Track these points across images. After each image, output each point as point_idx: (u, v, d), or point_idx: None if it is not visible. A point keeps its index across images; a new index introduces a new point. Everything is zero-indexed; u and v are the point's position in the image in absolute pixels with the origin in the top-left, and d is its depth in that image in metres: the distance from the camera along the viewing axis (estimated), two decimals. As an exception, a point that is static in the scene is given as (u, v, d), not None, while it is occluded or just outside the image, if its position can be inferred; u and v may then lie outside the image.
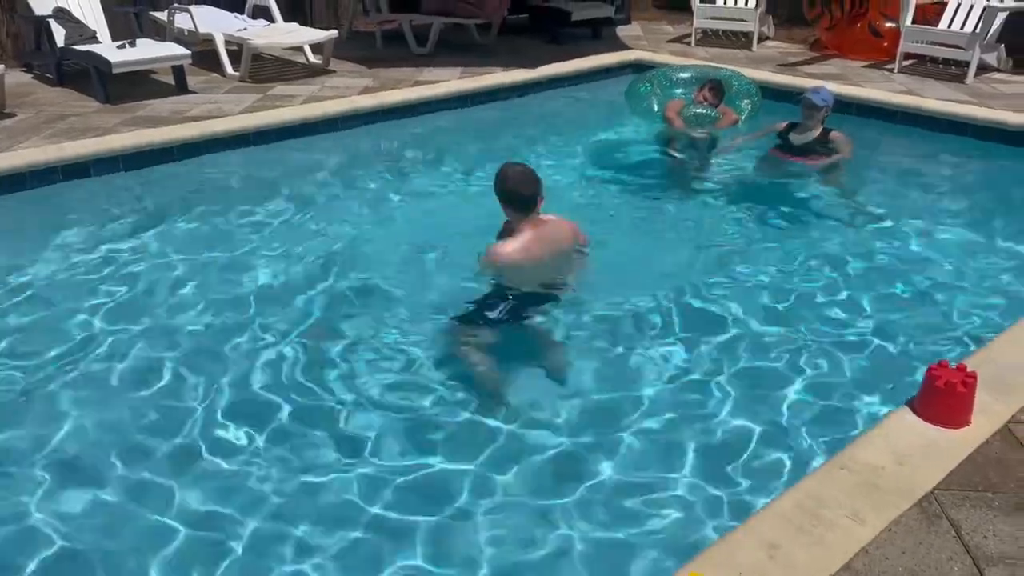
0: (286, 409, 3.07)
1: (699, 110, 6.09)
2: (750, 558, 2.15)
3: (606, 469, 2.79)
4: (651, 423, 3.03)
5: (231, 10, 8.35)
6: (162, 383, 3.24)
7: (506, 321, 3.35)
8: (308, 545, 2.46)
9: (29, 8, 6.96)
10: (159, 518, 2.55)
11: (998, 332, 3.32)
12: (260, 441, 2.89)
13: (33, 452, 2.83)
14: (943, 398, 2.66)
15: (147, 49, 6.72)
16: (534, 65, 7.90)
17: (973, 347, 3.26)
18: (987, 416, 2.72)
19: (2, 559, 2.40)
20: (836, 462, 2.54)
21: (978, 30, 7.49)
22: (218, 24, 7.73)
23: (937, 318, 3.76)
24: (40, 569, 2.37)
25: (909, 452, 2.56)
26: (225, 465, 2.78)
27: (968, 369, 2.71)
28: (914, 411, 2.73)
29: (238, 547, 2.46)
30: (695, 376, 3.31)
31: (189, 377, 3.26)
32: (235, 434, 2.93)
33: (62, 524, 2.52)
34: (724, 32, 9.63)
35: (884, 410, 2.90)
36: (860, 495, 2.38)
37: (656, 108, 6.30)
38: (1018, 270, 4.23)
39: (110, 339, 3.52)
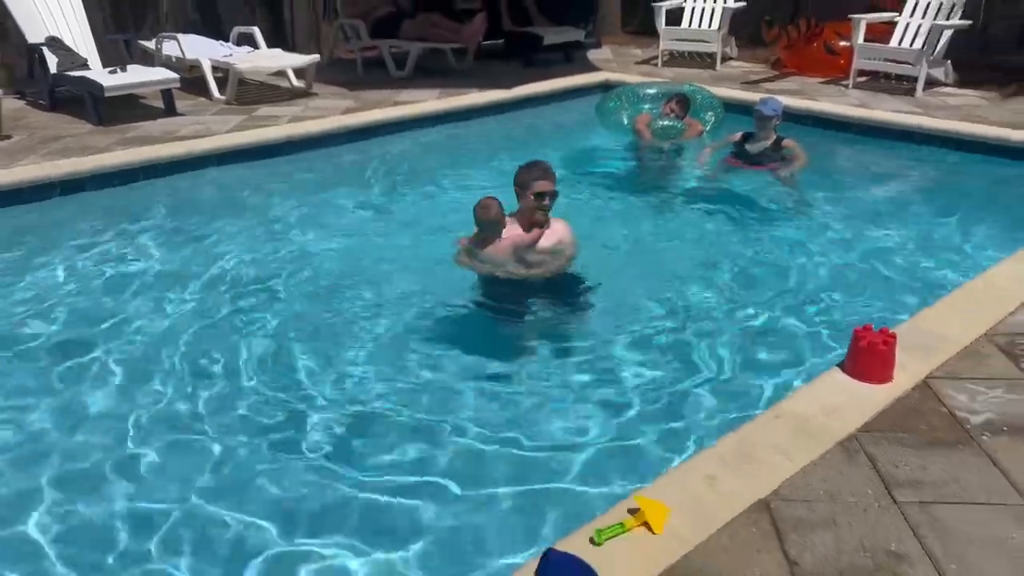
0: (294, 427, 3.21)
1: (666, 122, 6.49)
2: (691, 486, 2.45)
3: (582, 420, 3.15)
4: (623, 384, 3.39)
5: (216, 38, 8.71)
6: (157, 391, 3.36)
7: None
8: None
9: (23, 37, 7.27)
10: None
11: (924, 306, 3.68)
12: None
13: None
14: (866, 356, 2.99)
15: (138, 74, 7.03)
16: (509, 86, 8.28)
17: (902, 318, 3.60)
18: (908, 373, 3.05)
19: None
20: (771, 412, 2.86)
21: (926, 47, 7.96)
22: (204, 51, 8.07)
23: (873, 296, 4.15)
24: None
25: (836, 403, 2.88)
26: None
27: (889, 331, 3.04)
28: (843, 370, 3.06)
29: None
30: (660, 344, 3.69)
31: (186, 384, 3.40)
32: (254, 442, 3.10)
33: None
34: (689, 53, 10.08)
35: (818, 370, 3.23)
36: (790, 438, 2.69)
37: (626, 122, 6.70)
38: (945, 256, 4.66)
39: (109, 343, 3.72)
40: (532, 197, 3.73)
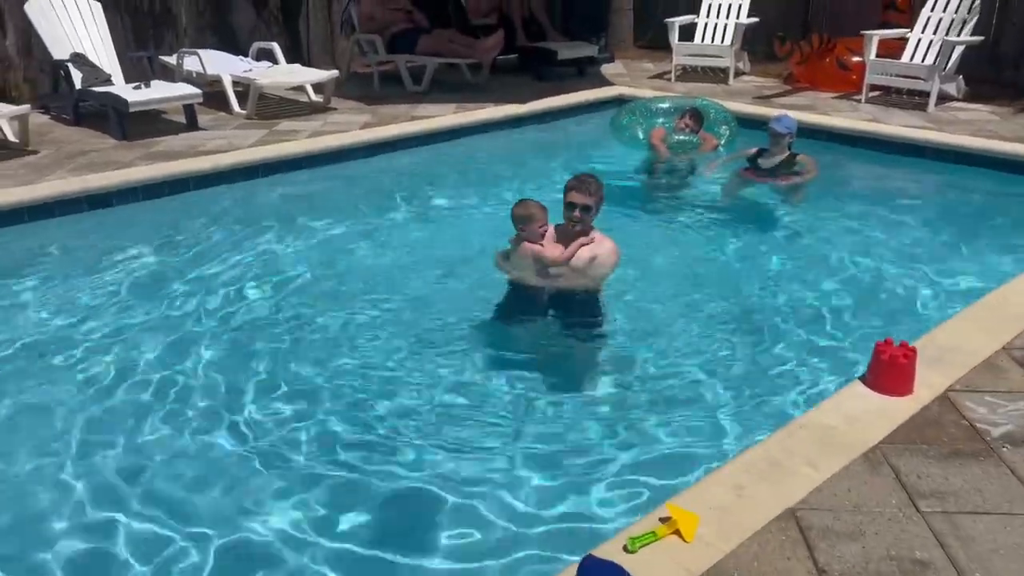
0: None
1: (681, 137, 6.58)
2: (720, 496, 2.52)
3: (611, 431, 3.23)
4: (651, 396, 3.47)
5: (234, 54, 8.85)
6: (189, 400, 3.46)
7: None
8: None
9: (48, 53, 7.42)
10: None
11: (942, 320, 3.75)
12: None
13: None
14: (887, 369, 3.06)
15: (161, 89, 7.16)
16: (524, 101, 8.39)
17: (920, 332, 3.66)
18: (928, 387, 3.11)
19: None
20: (796, 424, 2.92)
21: (937, 62, 8.04)
22: (225, 66, 8.20)
23: (891, 310, 4.23)
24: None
25: (859, 415, 2.95)
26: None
27: (909, 345, 3.11)
28: (864, 383, 3.13)
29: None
30: (683, 356, 3.76)
31: (210, 395, 3.50)
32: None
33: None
34: (702, 68, 10.18)
35: (840, 383, 3.30)
36: (815, 449, 2.76)
37: (641, 136, 6.79)
38: (961, 271, 4.71)
39: (127, 354, 3.82)
40: (565, 206, 3.83)
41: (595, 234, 3.91)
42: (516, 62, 10.34)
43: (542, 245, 3.88)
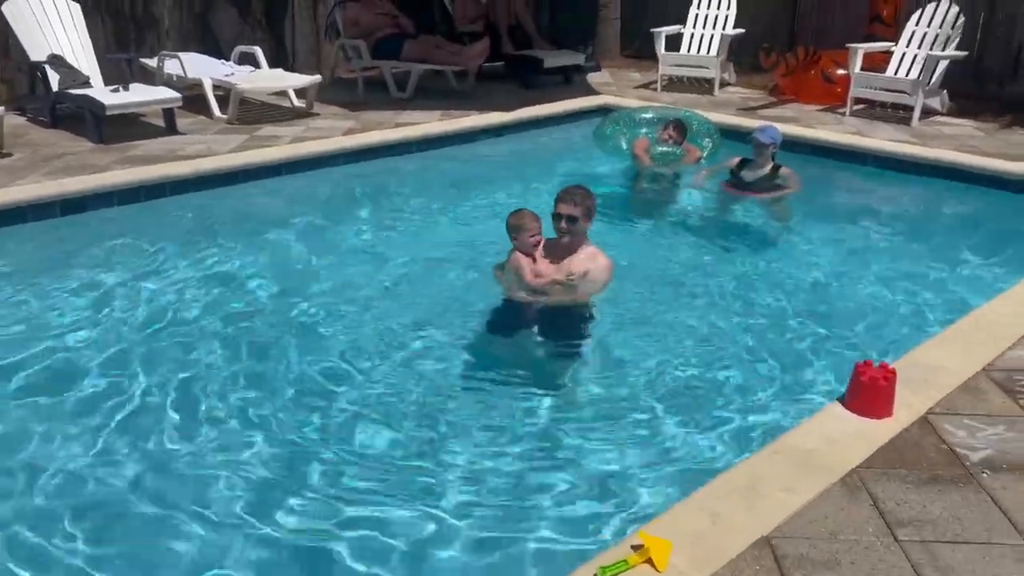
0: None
1: (664, 148, 6.54)
2: (694, 522, 2.46)
3: (581, 451, 3.17)
4: (624, 419, 3.38)
5: (220, 58, 8.75)
6: (157, 411, 3.39)
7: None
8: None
9: (25, 55, 7.30)
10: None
11: (921, 340, 3.71)
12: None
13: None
14: (867, 391, 3.01)
15: (140, 92, 7.06)
16: (509, 109, 8.34)
17: (899, 352, 3.62)
18: (908, 409, 3.07)
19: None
20: (773, 447, 2.87)
21: (921, 77, 8.05)
22: (206, 70, 8.10)
23: (871, 329, 4.17)
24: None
25: (837, 438, 2.90)
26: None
27: (889, 366, 3.07)
28: (843, 404, 3.08)
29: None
30: (658, 376, 3.69)
31: (181, 407, 3.41)
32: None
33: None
34: (688, 79, 10.17)
35: (819, 404, 3.25)
36: (792, 474, 2.70)
37: (624, 146, 6.75)
38: (941, 288, 4.69)
39: (96, 360, 3.74)
40: (552, 217, 3.80)
41: (589, 248, 3.86)
42: (502, 70, 10.29)
43: (534, 257, 3.86)
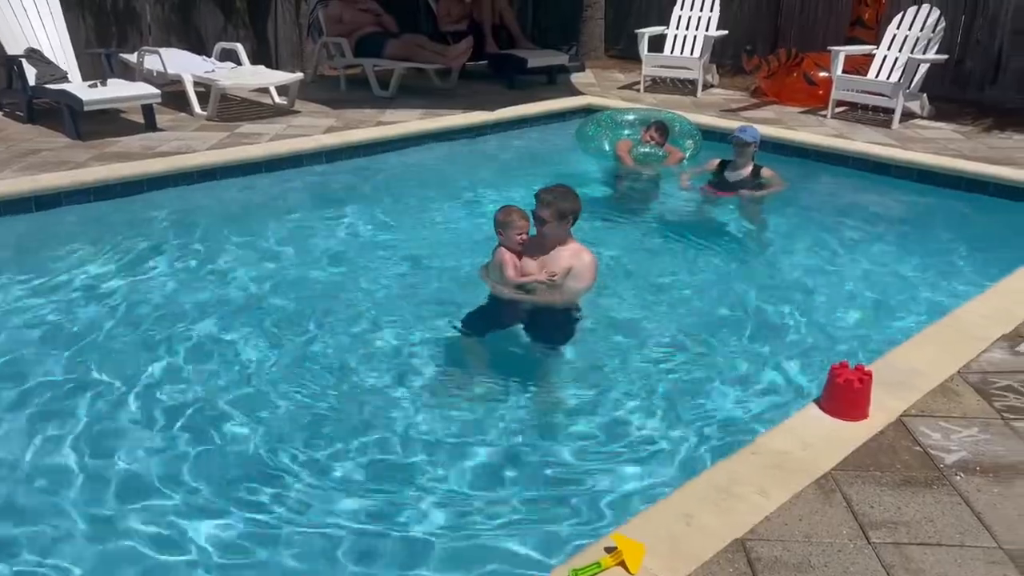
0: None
1: (647, 149, 6.55)
2: (668, 525, 2.45)
3: (559, 453, 3.16)
4: (598, 419, 3.38)
5: (200, 54, 8.68)
6: (129, 411, 3.36)
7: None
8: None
9: (1, 49, 7.21)
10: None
11: (897, 342, 3.72)
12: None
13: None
14: (842, 393, 3.01)
15: (118, 88, 6.99)
16: (492, 108, 8.31)
17: (875, 354, 3.63)
18: (883, 411, 3.07)
19: None
20: (748, 449, 2.87)
21: (902, 80, 8.09)
22: (186, 66, 8.03)
23: (848, 331, 4.19)
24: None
25: (812, 440, 2.90)
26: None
27: (865, 368, 3.07)
28: (819, 406, 3.08)
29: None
30: (635, 377, 3.69)
31: (154, 402, 3.40)
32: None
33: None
34: (671, 80, 10.18)
35: (795, 406, 3.25)
36: (767, 476, 2.70)
37: (607, 147, 6.75)
38: (919, 290, 4.71)
39: (73, 361, 3.70)
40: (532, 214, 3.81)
41: (573, 245, 3.85)
42: (486, 69, 10.27)
43: (519, 254, 3.85)
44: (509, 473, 3.03)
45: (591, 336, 3.96)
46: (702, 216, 6.01)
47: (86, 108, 6.60)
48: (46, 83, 7.02)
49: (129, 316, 4.16)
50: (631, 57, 10.86)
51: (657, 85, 10.15)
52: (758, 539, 2.41)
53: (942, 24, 8.23)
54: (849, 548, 2.39)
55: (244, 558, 2.59)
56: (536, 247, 3.85)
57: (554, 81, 10.08)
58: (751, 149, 5.86)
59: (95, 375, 3.59)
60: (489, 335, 3.91)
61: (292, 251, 5.12)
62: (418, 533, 2.71)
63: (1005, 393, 3.25)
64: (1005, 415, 3.10)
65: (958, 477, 2.74)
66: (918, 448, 2.89)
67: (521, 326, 3.90)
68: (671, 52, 9.90)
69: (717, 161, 6.08)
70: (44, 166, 5.92)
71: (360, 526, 2.74)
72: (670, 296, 4.57)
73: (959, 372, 3.40)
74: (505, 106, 8.44)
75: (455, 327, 3.95)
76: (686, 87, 9.99)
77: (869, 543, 2.41)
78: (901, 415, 3.07)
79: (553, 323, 3.91)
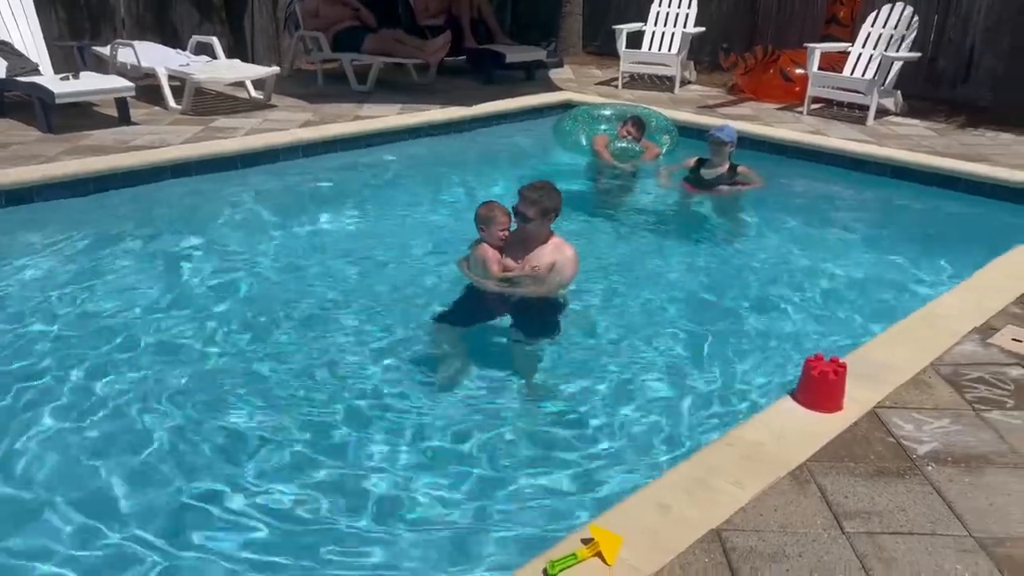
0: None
1: (624, 144, 6.56)
2: (645, 516, 2.46)
3: (536, 443, 3.17)
4: (574, 412, 3.40)
5: (174, 47, 8.59)
6: (102, 412, 3.30)
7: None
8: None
9: (-29, 40, 7.09)
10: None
11: (872, 335, 3.76)
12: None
13: None
14: (817, 385, 3.04)
15: (90, 81, 6.90)
16: (470, 103, 8.30)
17: (850, 347, 3.66)
18: (857, 403, 3.10)
19: None
20: (724, 440, 2.89)
21: (876, 77, 8.17)
22: (161, 59, 7.94)
23: (823, 324, 4.24)
24: None
25: (787, 432, 2.92)
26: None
27: (839, 361, 3.10)
28: (794, 399, 3.11)
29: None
30: (612, 370, 3.70)
31: (123, 401, 3.35)
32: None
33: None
34: (649, 76, 10.21)
35: (770, 398, 3.27)
36: (743, 467, 2.72)
37: (584, 142, 6.76)
38: (893, 284, 4.76)
39: (54, 356, 3.67)
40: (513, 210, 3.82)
41: (555, 240, 3.86)
42: (464, 64, 10.24)
43: (501, 250, 3.85)
44: (485, 464, 3.04)
45: (570, 328, 3.96)
46: (678, 212, 6.04)
47: (58, 101, 6.50)
48: (17, 76, 6.90)
49: (96, 311, 4.11)
50: (609, 53, 10.89)
51: (635, 81, 10.17)
52: (734, 529, 2.42)
53: (916, 22, 8.33)
54: (823, 538, 2.41)
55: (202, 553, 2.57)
56: (518, 242, 3.85)
57: (532, 77, 10.08)
58: (727, 148, 5.90)
59: (58, 372, 3.53)
60: (470, 327, 3.91)
61: (268, 246, 5.09)
62: (396, 525, 2.70)
63: (976, 385, 3.29)
64: (976, 406, 3.14)
65: (930, 467, 2.77)
66: (891, 439, 2.92)
67: (502, 318, 3.90)
68: (649, 49, 9.93)
69: (695, 159, 6.11)
70: (14, 160, 5.83)
71: (336, 519, 2.72)
72: (646, 290, 4.59)
73: (932, 365, 3.44)
74: (483, 101, 8.42)
75: (435, 320, 3.94)
76: (664, 83, 10.02)
77: (843, 533, 2.44)
78: (875, 407, 3.10)
79: (534, 315, 3.92)
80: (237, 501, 2.78)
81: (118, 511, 2.72)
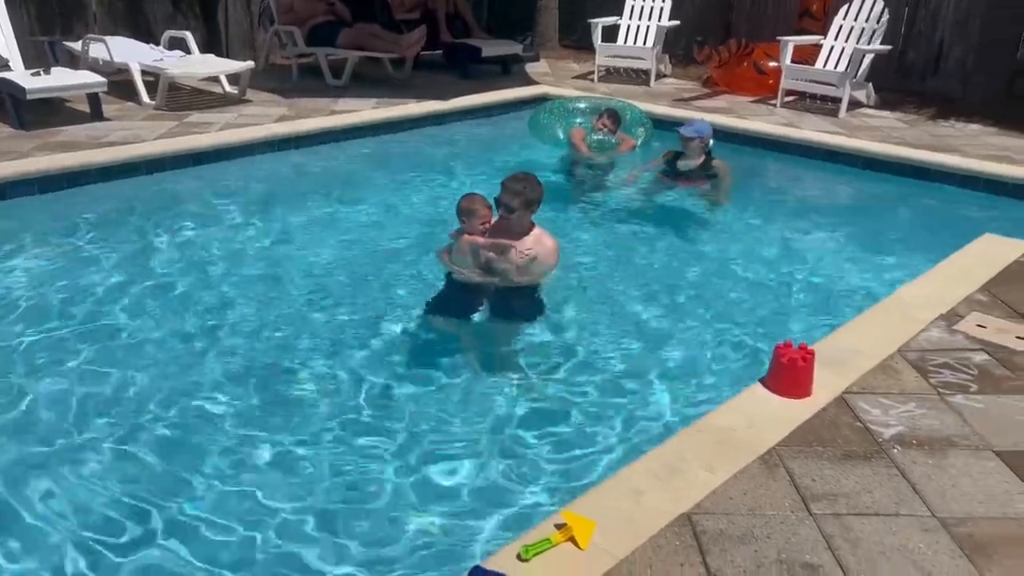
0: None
1: (600, 136, 6.61)
2: (617, 501, 2.50)
3: (512, 430, 3.22)
4: (548, 398, 3.45)
5: (147, 42, 8.52)
6: (74, 411, 3.29)
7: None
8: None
9: (-60, 36, 7.01)
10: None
11: (840, 322, 3.83)
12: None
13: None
14: (786, 372, 3.09)
15: (62, 77, 6.84)
16: (447, 97, 8.31)
17: (819, 334, 3.73)
18: (826, 389, 3.17)
19: None
20: (695, 427, 2.94)
21: (848, 70, 8.27)
22: (133, 54, 7.88)
23: (793, 312, 4.32)
24: None
25: (757, 418, 2.98)
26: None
27: (808, 348, 3.16)
28: (765, 385, 3.17)
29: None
30: (585, 358, 3.76)
31: (95, 401, 3.34)
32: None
33: None
34: (624, 70, 10.27)
35: (741, 385, 3.32)
36: (713, 452, 2.77)
37: (561, 135, 6.80)
38: (862, 273, 4.83)
39: (24, 353, 3.66)
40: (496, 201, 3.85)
41: (536, 231, 3.90)
42: (440, 58, 10.24)
43: (478, 236, 3.89)
44: (457, 450, 3.07)
45: (545, 318, 4.00)
46: (654, 203, 6.09)
47: (29, 97, 6.45)
48: (-14, 71, 6.84)
49: (68, 308, 4.09)
50: (585, 47, 10.93)
51: (611, 75, 10.22)
52: (704, 513, 2.47)
53: (886, 15, 8.43)
54: (791, 520, 2.47)
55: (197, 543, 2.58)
56: (500, 234, 3.88)
57: (509, 71, 10.10)
58: (695, 144, 5.95)
59: (26, 370, 3.52)
60: (448, 317, 3.94)
61: (243, 241, 5.08)
62: (374, 511, 2.73)
63: (941, 370, 3.37)
64: (941, 391, 3.22)
65: (895, 450, 2.83)
66: (859, 424, 2.98)
67: (484, 306, 3.93)
68: (624, 42, 9.98)
69: (671, 152, 6.16)
70: (-15, 156, 5.78)
71: (321, 506, 2.75)
72: (620, 279, 4.65)
73: (899, 351, 3.51)
74: (459, 95, 8.44)
75: (418, 312, 3.96)
76: (639, 77, 10.08)
77: (810, 514, 2.49)
78: (843, 392, 3.17)
79: (513, 304, 3.96)
80: (209, 496, 2.80)
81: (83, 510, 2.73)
